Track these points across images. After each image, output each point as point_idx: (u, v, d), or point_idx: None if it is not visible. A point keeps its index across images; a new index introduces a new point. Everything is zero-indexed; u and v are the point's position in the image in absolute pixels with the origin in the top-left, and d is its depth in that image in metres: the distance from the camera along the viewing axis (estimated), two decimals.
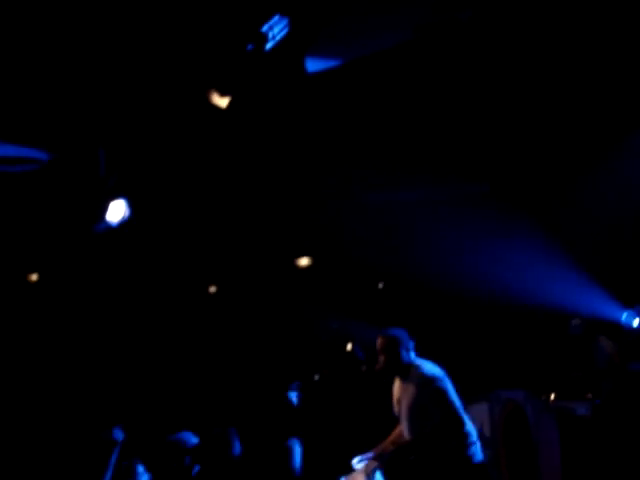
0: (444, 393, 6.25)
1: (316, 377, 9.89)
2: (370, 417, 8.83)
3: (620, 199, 9.44)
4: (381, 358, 6.50)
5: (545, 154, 9.74)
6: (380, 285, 10.84)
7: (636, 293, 9.17)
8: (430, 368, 6.40)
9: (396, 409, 6.55)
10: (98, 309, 10.29)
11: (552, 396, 8.18)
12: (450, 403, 6.25)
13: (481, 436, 8.31)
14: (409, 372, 6.42)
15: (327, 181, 10.08)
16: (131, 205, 8.61)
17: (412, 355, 6.49)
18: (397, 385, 6.59)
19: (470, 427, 6.34)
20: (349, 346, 10.31)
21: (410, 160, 9.68)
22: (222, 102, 7.53)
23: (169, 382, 10.63)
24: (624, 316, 8.98)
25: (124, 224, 8.61)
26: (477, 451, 6.33)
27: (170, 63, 7.52)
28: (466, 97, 8.84)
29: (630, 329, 8.91)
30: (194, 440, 6.53)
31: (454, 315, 10.69)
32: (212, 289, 11.50)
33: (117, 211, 8.56)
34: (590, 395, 7.93)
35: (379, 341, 6.53)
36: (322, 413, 9.79)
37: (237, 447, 6.49)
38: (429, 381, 6.28)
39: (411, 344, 6.51)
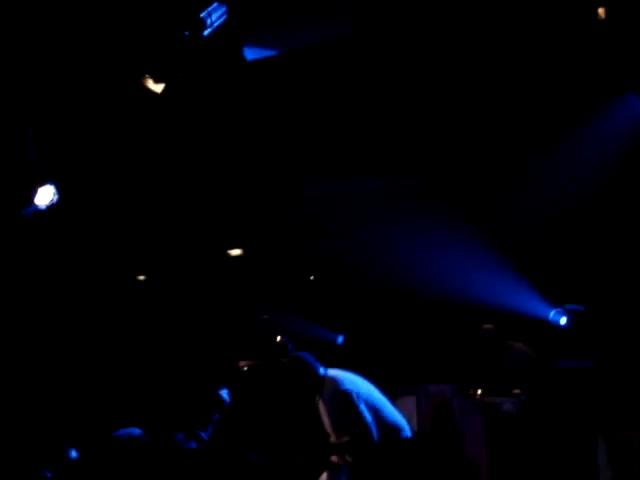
0: (356, 408, 6.28)
1: (245, 368, 9.81)
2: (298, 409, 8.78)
3: (549, 197, 9.56)
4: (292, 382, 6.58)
5: (476, 149, 9.80)
6: (311, 277, 10.84)
7: (564, 292, 9.32)
8: (345, 381, 6.44)
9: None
10: (22, 295, 10.04)
11: (479, 391, 8.26)
12: (362, 418, 6.26)
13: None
14: (324, 386, 6.45)
15: (261, 171, 10.01)
16: (60, 189, 8.44)
17: (322, 370, 6.51)
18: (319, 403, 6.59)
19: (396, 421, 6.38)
20: (278, 338, 10.26)
21: (343, 152, 9.68)
22: (157, 88, 7.42)
23: (92, 375, 10.44)
24: (551, 314, 9.13)
25: (52, 208, 8.45)
26: None
27: (105, 46, 7.39)
28: (400, 92, 8.87)
29: (557, 327, 9.07)
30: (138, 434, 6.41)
31: (384, 309, 10.72)
32: (141, 277, 11.33)
33: (46, 195, 8.39)
34: (517, 391, 8.03)
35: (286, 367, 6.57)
36: (253, 406, 9.75)
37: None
38: (342, 396, 6.31)
39: (316, 363, 6.55)
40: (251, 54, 7.14)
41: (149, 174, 9.60)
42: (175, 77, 7.27)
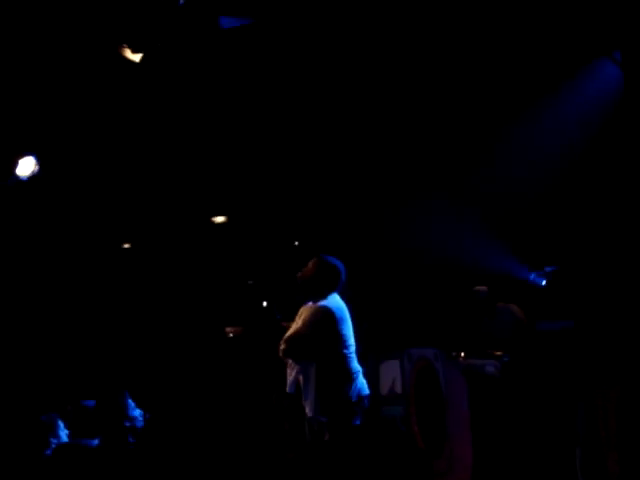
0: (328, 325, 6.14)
1: (231, 335, 9.87)
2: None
3: (530, 161, 9.57)
4: (307, 271, 6.41)
5: (459, 113, 9.78)
6: (296, 243, 10.83)
7: (543, 255, 9.36)
8: (329, 302, 6.27)
9: None
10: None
11: (462, 354, 8.31)
12: (332, 338, 6.14)
13: (392, 392, 8.48)
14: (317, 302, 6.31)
15: (242, 139, 10.00)
16: (41, 160, 8.43)
17: (333, 293, 6.35)
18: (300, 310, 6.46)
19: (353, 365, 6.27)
20: (265, 303, 10.29)
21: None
22: (135, 57, 7.40)
23: (78, 339, 10.49)
24: (532, 276, 9.18)
25: (34, 178, 8.44)
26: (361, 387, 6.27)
27: (82, 16, 7.36)
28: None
29: (538, 288, 9.13)
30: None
31: (367, 274, 10.74)
32: (126, 245, 11.32)
33: (27, 166, 8.38)
34: (500, 353, 8.09)
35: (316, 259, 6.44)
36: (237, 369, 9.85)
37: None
38: (319, 310, 6.21)
39: (341, 283, 6.40)
40: (227, 22, 7.11)
41: (130, 143, 9.58)
42: (153, 46, 7.25)
